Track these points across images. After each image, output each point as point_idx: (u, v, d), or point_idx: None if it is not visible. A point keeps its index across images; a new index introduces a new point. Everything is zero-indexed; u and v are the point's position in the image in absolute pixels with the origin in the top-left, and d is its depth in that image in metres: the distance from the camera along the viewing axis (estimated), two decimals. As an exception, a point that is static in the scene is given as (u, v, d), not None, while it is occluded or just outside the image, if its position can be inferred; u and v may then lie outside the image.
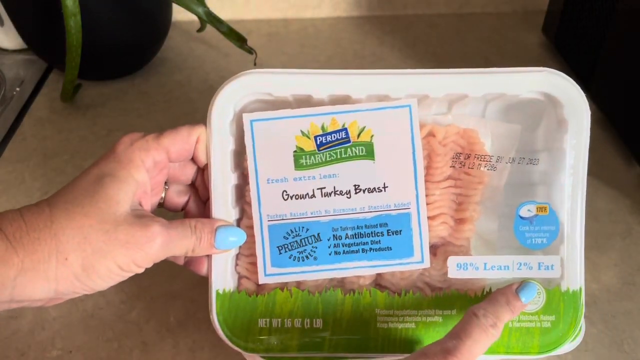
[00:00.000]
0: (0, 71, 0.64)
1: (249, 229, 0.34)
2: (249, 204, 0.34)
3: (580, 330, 0.35)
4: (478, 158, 0.35)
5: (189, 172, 0.36)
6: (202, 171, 0.36)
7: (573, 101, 0.34)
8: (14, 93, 0.62)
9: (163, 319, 0.41)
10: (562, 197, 0.34)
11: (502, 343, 0.34)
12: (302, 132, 0.33)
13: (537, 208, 0.34)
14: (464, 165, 0.35)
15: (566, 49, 0.64)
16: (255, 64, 0.65)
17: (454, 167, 0.35)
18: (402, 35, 0.74)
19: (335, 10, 0.77)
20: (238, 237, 0.34)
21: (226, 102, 0.34)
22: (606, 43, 0.54)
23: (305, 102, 0.34)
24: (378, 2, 0.77)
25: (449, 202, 0.35)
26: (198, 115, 0.60)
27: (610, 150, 0.54)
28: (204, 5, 0.59)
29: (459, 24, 0.76)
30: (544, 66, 0.34)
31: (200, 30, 0.66)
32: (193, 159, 0.35)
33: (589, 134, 0.34)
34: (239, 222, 0.35)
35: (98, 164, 0.31)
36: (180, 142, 0.33)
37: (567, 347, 0.35)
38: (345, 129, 0.33)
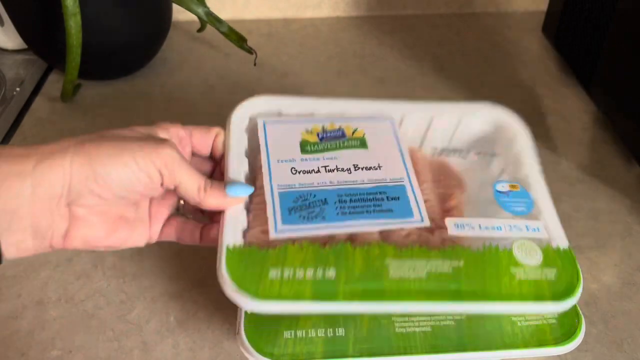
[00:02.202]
0: (1, 71, 0.64)
1: (260, 203, 0.36)
2: (261, 186, 0.37)
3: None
4: (450, 150, 0.43)
5: (206, 168, 0.38)
6: (218, 166, 0.38)
7: (511, 127, 0.42)
8: (14, 93, 0.62)
9: (163, 319, 0.41)
10: (527, 184, 0.39)
11: (514, 294, 0.34)
12: (306, 130, 0.40)
13: (509, 185, 0.39)
14: (440, 154, 0.42)
15: (566, 49, 0.64)
16: (255, 64, 0.65)
17: (432, 164, 0.41)
18: (402, 36, 0.74)
19: (335, 10, 0.77)
20: (246, 187, 0.35)
21: (242, 115, 0.40)
22: (606, 43, 0.54)
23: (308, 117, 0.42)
24: (378, 2, 0.77)
25: (434, 195, 0.39)
26: (198, 115, 0.60)
27: (610, 150, 0.54)
28: (204, 5, 0.59)
29: (459, 24, 0.76)
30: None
31: (200, 30, 0.66)
32: (211, 155, 0.38)
33: (531, 143, 0.41)
34: (250, 200, 0.37)
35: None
36: (201, 132, 0.37)
37: (567, 347, 0.35)
38: (342, 129, 0.41)
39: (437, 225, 0.37)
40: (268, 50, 0.71)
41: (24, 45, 0.67)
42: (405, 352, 0.34)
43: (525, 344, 0.35)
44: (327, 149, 0.39)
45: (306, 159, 0.38)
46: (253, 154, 0.39)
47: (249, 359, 0.34)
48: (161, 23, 0.64)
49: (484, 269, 0.34)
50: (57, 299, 0.42)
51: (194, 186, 0.33)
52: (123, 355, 0.39)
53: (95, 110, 0.61)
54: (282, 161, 0.38)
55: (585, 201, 0.49)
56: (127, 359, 0.38)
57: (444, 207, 0.39)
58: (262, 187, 0.37)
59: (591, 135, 0.54)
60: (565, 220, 0.38)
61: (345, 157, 0.39)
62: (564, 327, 0.36)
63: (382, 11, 0.78)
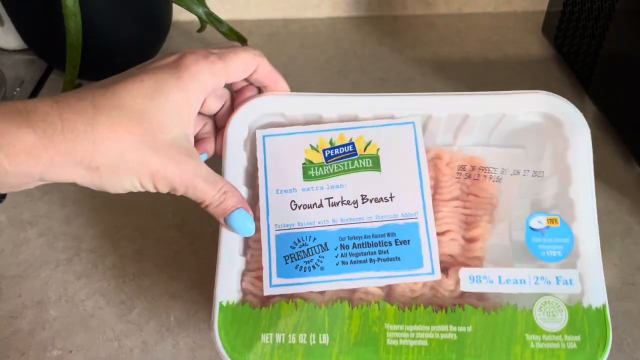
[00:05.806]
0: (1, 71, 0.64)
1: (257, 242, 0.34)
2: (258, 218, 0.34)
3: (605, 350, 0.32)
4: (483, 170, 0.36)
5: (218, 105, 0.36)
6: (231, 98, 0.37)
7: (571, 120, 0.35)
8: (15, 93, 0.62)
9: (163, 319, 0.41)
10: (572, 212, 0.34)
11: None
12: (311, 145, 0.35)
13: (547, 220, 0.34)
14: (469, 177, 0.36)
15: (566, 49, 0.64)
16: (255, 64, 0.64)
17: (459, 179, 0.35)
18: (402, 36, 0.74)
19: (335, 10, 0.77)
20: (247, 224, 0.33)
21: (241, 122, 0.36)
22: (606, 43, 0.54)
23: (315, 122, 0.36)
24: (378, 3, 0.77)
25: (457, 220, 0.35)
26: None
27: (610, 150, 0.54)
28: (204, 5, 0.59)
29: (459, 24, 0.76)
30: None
31: (200, 30, 0.66)
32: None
33: (591, 150, 0.35)
34: (246, 238, 0.35)
35: (155, 74, 0.30)
36: (242, 72, 0.33)
37: None
38: (352, 143, 0.35)
39: (456, 261, 0.34)
40: (268, 50, 0.70)
41: (24, 45, 0.67)
42: None
43: None
44: (333, 173, 0.35)
45: (309, 188, 0.35)
46: (254, 171, 0.36)
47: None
48: (161, 23, 0.64)
49: (494, 336, 0.32)
50: (57, 299, 0.42)
51: (197, 200, 0.32)
52: (123, 355, 0.39)
53: (95, 110, 0.61)
54: (281, 192, 0.35)
55: (585, 201, 0.49)
56: (127, 359, 0.38)
57: (467, 235, 0.35)
58: (259, 219, 0.35)
59: (591, 135, 0.54)
60: (565, 220, 0.38)
61: (353, 184, 0.34)
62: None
63: (382, 11, 0.78)
